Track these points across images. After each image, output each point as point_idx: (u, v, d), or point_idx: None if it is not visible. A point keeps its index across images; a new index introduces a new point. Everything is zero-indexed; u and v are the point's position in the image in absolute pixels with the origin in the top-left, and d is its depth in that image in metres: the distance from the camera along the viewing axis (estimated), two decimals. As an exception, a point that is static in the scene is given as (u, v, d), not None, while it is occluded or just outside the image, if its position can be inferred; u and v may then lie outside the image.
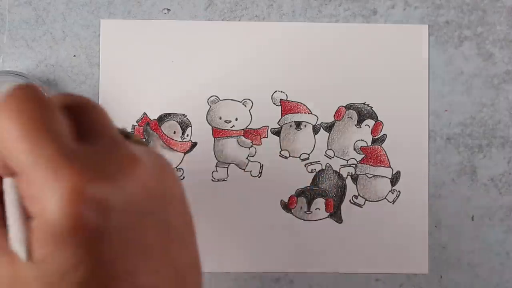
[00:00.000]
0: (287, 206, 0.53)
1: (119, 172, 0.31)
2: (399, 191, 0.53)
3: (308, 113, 0.53)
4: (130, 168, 0.31)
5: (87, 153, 0.31)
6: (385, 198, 0.53)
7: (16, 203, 0.32)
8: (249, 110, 0.53)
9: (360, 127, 0.53)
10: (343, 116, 0.54)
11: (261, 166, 0.53)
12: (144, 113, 0.53)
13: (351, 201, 0.53)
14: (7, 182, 0.33)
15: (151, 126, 0.53)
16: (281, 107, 0.53)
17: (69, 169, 0.29)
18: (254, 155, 0.53)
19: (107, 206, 0.29)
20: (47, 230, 0.29)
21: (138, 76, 0.53)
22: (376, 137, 0.54)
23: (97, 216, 0.29)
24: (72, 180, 0.29)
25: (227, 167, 0.53)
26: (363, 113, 0.53)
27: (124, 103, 0.53)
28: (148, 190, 0.31)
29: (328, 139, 0.53)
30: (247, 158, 0.53)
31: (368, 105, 0.53)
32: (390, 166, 0.53)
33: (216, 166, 0.53)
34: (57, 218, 0.29)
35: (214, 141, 0.53)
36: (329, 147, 0.53)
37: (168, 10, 0.53)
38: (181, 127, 0.53)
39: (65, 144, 0.31)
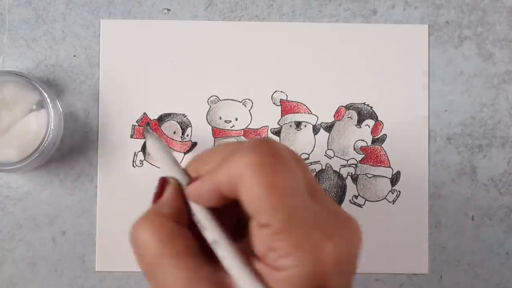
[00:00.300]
0: (287, 206, 0.53)
1: (344, 230, 0.34)
2: (399, 191, 0.53)
3: (308, 113, 0.53)
4: (350, 229, 0.35)
5: (321, 211, 0.34)
6: (385, 198, 0.53)
7: (232, 248, 0.36)
8: (249, 110, 0.53)
9: (360, 127, 0.53)
10: (343, 116, 0.54)
11: (261, 166, 0.53)
12: (144, 113, 0.53)
13: (351, 201, 0.53)
14: (204, 213, 0.37)
15: (151, 126, 0.53)
16: (281, 107, 0.53)
17: (321, 234, 0.33)
18: (254, 155, 0.53)
19: (341, 266, 0.33)
20: (293, 284, 0.32)
21: (138, 76, 0.53)
22: (376, 137, 0.54)
23: (338, 276, 0.33)
24: (323, 247, 0.32)
25: (227, 167, 0.53)
26: (363, 113, 0.53)
27: (124, 103, 0.53)
28: (356, 253, 0.35)
29: (328, 139, 0.53)
30: (247, 158, 0.53)
31: (368, 105, 0.53)
32: (390, 166, 0.53)
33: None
34: (306, 276, 0.32)
35: (214, 141, 0.53)
36: (329, 147, 0.53)
37: (168, 10, 0.53)
38: (181, 127, 0.53)
39: (310, 204, 0.34)
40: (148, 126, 0.52)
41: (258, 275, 0.34)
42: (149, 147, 0.48)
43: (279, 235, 0.33)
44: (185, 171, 0.40)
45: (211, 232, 0.36)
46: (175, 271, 0.35)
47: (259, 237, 0.34)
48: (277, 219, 0.33)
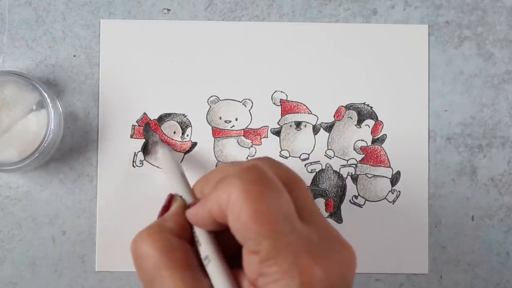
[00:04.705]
0: (287, 206, 0.53)
1: (336, 254, 0.34)
2: (399, 191, 0.53)
3: (308, 113, 0.53)
4: (343, 253, 0.35)
5: (311, 235, 0.34)
6: (385, 198, 0.53)
7: (223, 266, 0.37)
8: (249, 110, 0.53)
9: (360, 127, 0.53)
10: (343, 116, 0.54)
11: (261, 166, 0.53)
12: (144, 113, 0.53)
13: (351, 201, 0.53)
14: (204, 235, 0.38)
15: (151, 126, 0.53)
16: (281, 107, 0.53)
17: (308, 258, 0.33)
18: (254, 155, 0.53)
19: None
20: None
21: (138, 76, 0.53)
22: (376, 137, 0.53)
23: None
24: (311, 272, 0.33)
25: (227, 167, 0.53)
26: (363, 113, 0.53)
27: (124, 103, 0.53)
28: (348, 277, 0.35)
29: (328, 139, 0.53)
30: (247, 158, 0.53)
31: (368, 105, 0.53)
32: (390, 166, 0.53)
33: (216, 166, 0.53)
34: None
35: (214, 141, 0.53)
36: (329, 147, 0.53)
37: (168, 10, 0.53)
38: (181, 127, 0.53)
39: (298, 229, 0.34)
40: (160, 139, 0.52)
41: None
42: (161, 160, 0.49)
43: (268, 261, 0.33)
44: (191, 191, 0.41)
45: (204, 248, 0.37)
46: (172, 283, 0.35)
47: (249, 263, 0.34)
48: (264, 245, 0.33)
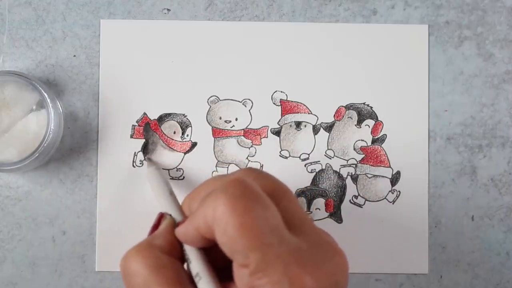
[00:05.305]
0: (287, 206, 0.53)
1: (326, 262, 0.34)
2: (399, 191, 0.53)
3: (308, 113, 0.53)
4: (334, 261, 0.35)
5: (301, 244, 0.34)
6: (385, 198, 0.53)
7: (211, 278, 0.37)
8: (249, 110, 0.53)
9: (360, 127, 0.53)
10: (343, 116, 0.53)
11: (261, 166, 0.53)
12: (144, 113, 0.53)
13: (351, 201, 0.53)
14: (194, 252, 0.38)
15: (151, 126, 0.53)
16: (281, 107, 0.53)
17: (298, 268, 0.33)
18: (254, 155, 0.53)
19: None
20: None
21: (138, 76, 0.53)
22: (376, 137, 0.53)
23: None
24: (301, 281, 0.33)
25: (227, 167, 0.53)
26: (363, 113, 0.53)
27: (124, 103, 0.53)
28: (337, 284, 0.35)
29: (328, 139, 0.53)
30: (247, 158, 0.53)
31: (368, 105, 0.53)
32: (390, 166, 0.53)
33: (216, 166, 0.53)
34: None
35: (214, 141, 0.53)
36: (329, 147, 0.53)
37: (168, 10, 0.53)
38: (181, 127, 0.53)
39: (287, 239, 0.34)
40: (150, 158, 0.52)
41: None
42: (148, 180, 0.49)
43: (257, 274, 0.33)
44: (180, 209, 0.41)
45: (195, 265, 0.37)
46: None
47: (239, 276, 0.34)
48: (253, 258, 0.33)
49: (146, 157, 0.52)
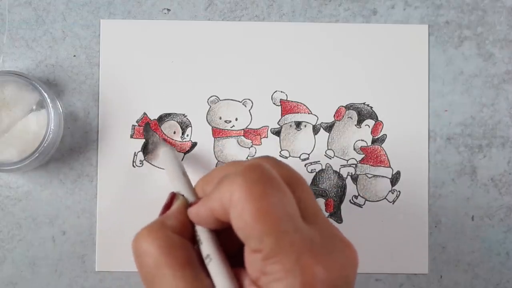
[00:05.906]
0: (287, 206, 0.53)
1: (338, 254, 0.34)
2: (399, 191, 0.53)
3: (308, 113, 0.53)
4: (345, 253, 0.35)
5: (314, 235, 0.34)
6: (385, 198, 0.53)
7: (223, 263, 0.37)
8: (249, 110, 0.53)
9: (360, 127, 0.53)
10: (343, 116, 0.53)
11: (261, 166, 0.53)
12: (144, 113, 0.53)
13: (351, 201, 0.53)
14: (206, 233, 0.38)
15: (151, 126, 0.53)
16: (281, 107, 0.53)
17: (310, 258, 0.33)
18: (254, 155, 0.53)
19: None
20: None
21: (138, 76, 0.53)
22: (376, 137, 0.53)
23: None
24: (313, 271, 0.33)
25: (227, 167, 0.53)
26: (363, 113, 0.53)
27: (124, 103, 0.53)
28: (350, 277, 0.35)
29: (328, 139, 0.53)
30: (247, 158, 0.53)
31: (368, 105, 0.53)
32: (390, 166, 0.53)
33: (216, 166, 0.53)
34: None
35: (214, 141, 0.53)
36: (329, 147, 0.53)
37: (168, 10, 0.53)
38: (181, 127, 0.53)
39: (301, 228, 0.34)
40: (161, 139, 0.52)
41: None
42: (162, 160, 0.49)
43: (270, 260, 0.33)
44: (193, 190, 0.41)
45: (206, 246, 0.37)
46: (173, 281, 0.35)
47: (251, 262, 0.34)
48: (266, 244, 0.33)
49: (160, 138, 0.52)
